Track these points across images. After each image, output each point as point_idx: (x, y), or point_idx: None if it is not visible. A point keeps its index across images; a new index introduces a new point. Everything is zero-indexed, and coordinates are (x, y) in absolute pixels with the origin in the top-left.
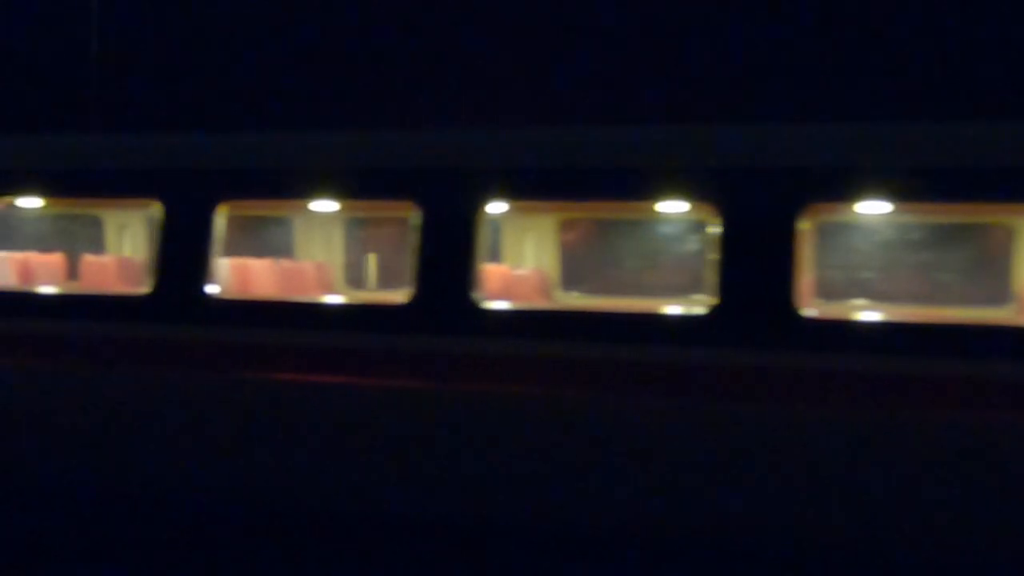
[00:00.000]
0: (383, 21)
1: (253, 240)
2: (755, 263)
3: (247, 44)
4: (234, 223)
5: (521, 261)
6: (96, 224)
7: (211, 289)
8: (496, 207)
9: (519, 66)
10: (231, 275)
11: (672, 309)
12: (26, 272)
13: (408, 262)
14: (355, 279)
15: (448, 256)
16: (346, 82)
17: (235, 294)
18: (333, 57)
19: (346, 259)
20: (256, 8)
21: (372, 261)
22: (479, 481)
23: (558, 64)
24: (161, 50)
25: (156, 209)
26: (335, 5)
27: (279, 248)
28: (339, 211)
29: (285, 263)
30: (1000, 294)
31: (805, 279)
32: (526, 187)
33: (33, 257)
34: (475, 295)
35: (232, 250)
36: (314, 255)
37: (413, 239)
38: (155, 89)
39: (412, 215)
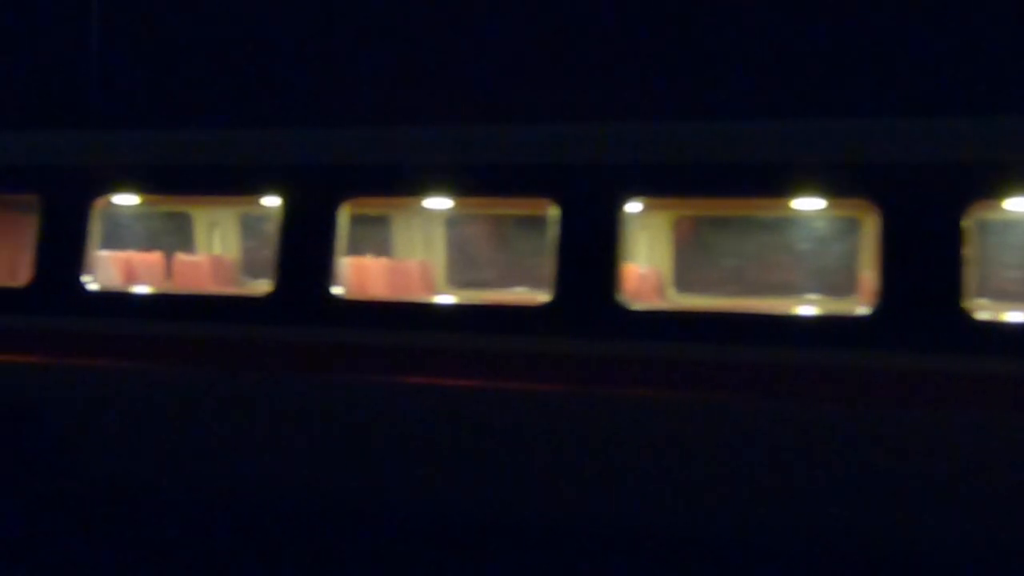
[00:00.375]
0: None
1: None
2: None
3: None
4: (358, 221)
5: (642, 260)
6: (185, 222)
7: (336, 289)
8: (634, 204)
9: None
10: (355, 275)
11: (823, 310)
12: (129, 272)
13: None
14: (477, 278)
15: (591, 255)
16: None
17: (360, 294)
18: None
19: (466, 256)
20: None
21: (497, 258)
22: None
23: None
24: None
25: (276, 206)
26: None
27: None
28: (466, 208)
29: (409, 262)
30: None
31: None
32: (665, 183)
33: (135, 256)
34: (619, 296)
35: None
36: (434, 253)
37: (553, 237)
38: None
39: (551, 212)
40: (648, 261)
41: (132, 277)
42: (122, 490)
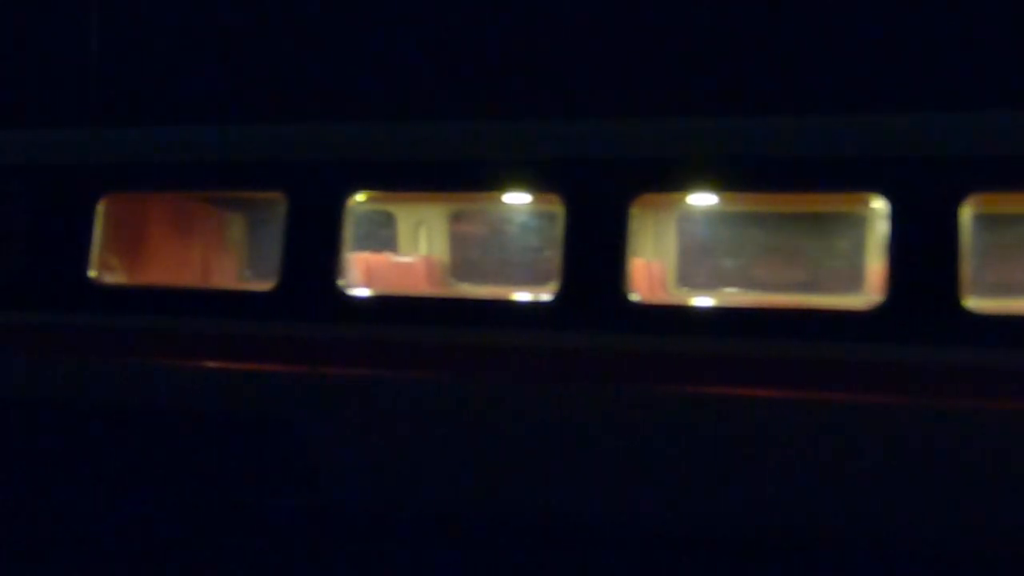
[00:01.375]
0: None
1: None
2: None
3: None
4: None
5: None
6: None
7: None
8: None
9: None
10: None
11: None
12: (369, 273)
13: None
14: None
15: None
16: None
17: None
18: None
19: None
20: None
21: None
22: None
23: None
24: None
25: (558, 204)
26: None
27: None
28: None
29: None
30: None
31: None
32: None
33: (371, 258)
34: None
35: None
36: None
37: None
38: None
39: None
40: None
41: (372, 280)
42: (382, 508)
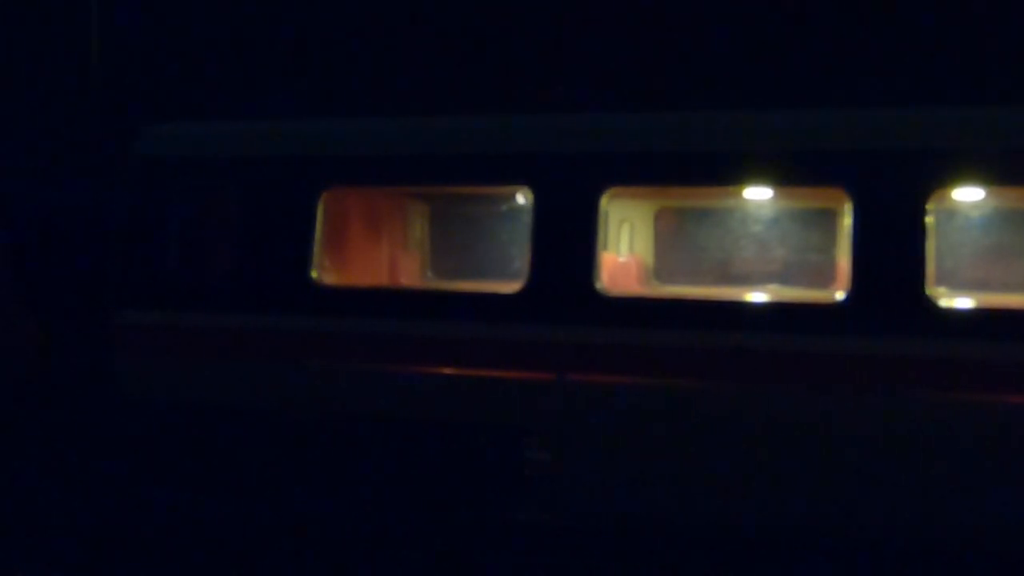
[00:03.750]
0: None
1: None
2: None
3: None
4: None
5: None
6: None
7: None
8: None
9: None
10: None
11: None
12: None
13: None
14: None
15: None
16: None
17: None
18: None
19: None
20: None
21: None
22: None
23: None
24: None
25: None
26: None
27: None
28: None
29: None
30: None
31: None
32: None
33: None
34: None
35: None
36: None
37: None
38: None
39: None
40: None
41: (614, 280)
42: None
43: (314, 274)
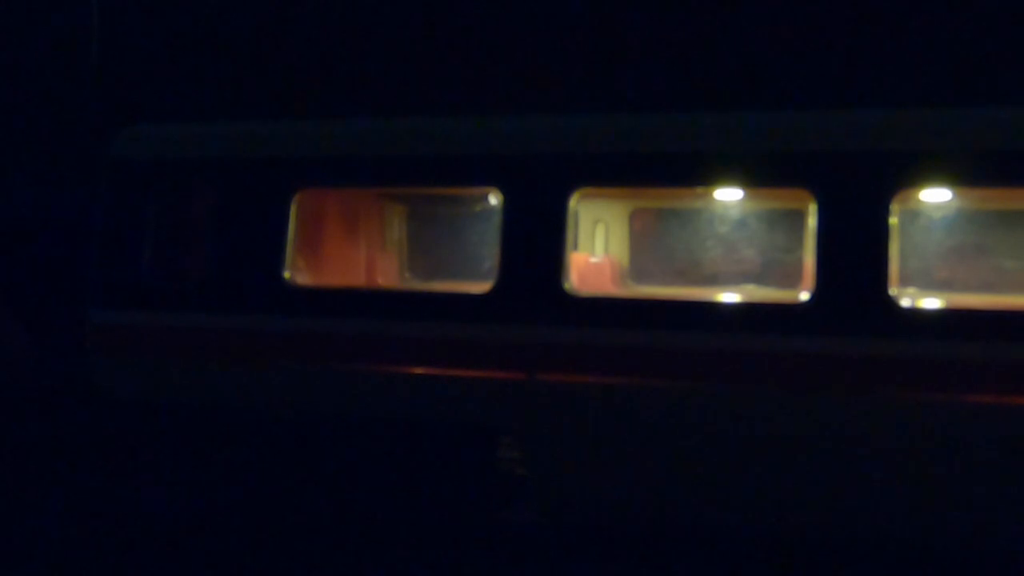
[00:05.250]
0: None
1: None
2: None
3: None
4: None
5: None
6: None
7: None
8: None
9: None
10: None
11: None
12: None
13: None
14: None
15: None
16: None
17: None
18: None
19: None
20: None
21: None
22: None
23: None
24: None
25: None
26: None
27: None
28: None
29: None
30: None
31: None
32: None
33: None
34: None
35: None
36: None
37: None
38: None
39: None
40: None
41: (584, 280)
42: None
43: (287, 275)
